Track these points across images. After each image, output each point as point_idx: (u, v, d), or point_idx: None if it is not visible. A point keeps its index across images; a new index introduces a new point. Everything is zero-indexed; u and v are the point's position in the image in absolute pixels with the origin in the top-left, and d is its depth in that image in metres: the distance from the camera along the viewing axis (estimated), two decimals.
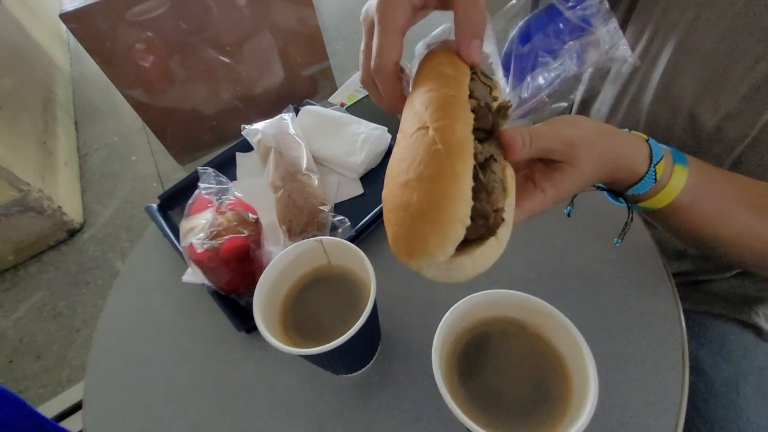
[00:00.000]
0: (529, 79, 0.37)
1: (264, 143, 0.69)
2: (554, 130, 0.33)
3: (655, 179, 0.37)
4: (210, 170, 0.54)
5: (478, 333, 0.37)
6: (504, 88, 0.38)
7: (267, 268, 0.42)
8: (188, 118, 1.95)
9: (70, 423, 1.16)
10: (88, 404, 0.51)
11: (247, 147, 0.76)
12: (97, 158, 2.37)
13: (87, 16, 1.53)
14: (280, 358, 0.49)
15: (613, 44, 0.37)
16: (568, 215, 0.44)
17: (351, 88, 0.89)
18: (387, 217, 0.28)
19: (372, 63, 0.34)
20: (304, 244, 0.43)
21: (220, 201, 0.52)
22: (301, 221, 0.57)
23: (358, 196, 0.66)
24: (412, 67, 0.37)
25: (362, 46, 0.36)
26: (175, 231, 0.63)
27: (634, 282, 0.48)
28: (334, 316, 0.42)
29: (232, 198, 0.53)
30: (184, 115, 1.93)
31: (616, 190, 0.41)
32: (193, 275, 0.54)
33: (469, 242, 0.27)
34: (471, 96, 0.31)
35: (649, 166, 0.37)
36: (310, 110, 0.77)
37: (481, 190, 0.27)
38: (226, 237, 0.48)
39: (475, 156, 0.28)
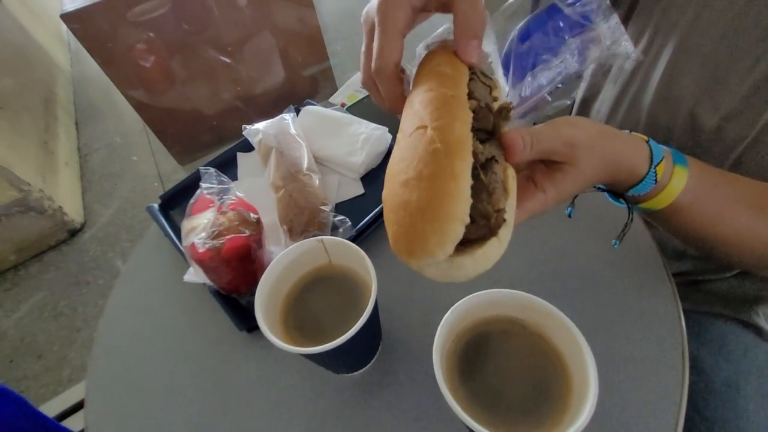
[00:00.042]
0: (529, 77, 0.37)
1: (265, 143, 0.69)
2: (555, 131, 0.33)
3: (656, 180, 0.37)
4: (212, 170, 0.54)
5: (479, 332, 0.37)
6: (504, 88, 0.38)
7: (268, 268, 0.42)
8: (189, 119, 1.96)
9: (71, 423, 1.16)
10: (90, 403, 0.51)
11: (248, 147, 0.76)
12: (98, 158, 2.37)
13: (88, 17, 1.53)
14: (281, 358, 0.50)
15: (614, 40, 0.36)
16: (569, 216, 0.44)
17: (351, 88, 0.89)
18: (387, 217, 0.29)
19: (372, 64, 0.34)
20: (305, 244, 0.43)
21: (221, 201, 0.52)
22: (302, 221, 0.57)
23: (358, 196, 0.66)
24: (412, 68, 0.37)
25: (363, 48, 0.36)
26: (177, 231, 0.64)
27: (634, 282, 0.48)
28: (335, 316, 0.42)
29: (233, 198, 0.53)
30: (185, 115, 1.93)
31: (616, 191, 0.41)
32: (195, 275, 0.54)
33: (470, 242, 0.27)
34: (471, 96, 0.31)
35: (650, 168, 0.37)
36: (310, 110, 0.77)
37: (482, 191, 0.27)
38: (228, 237, 0.49)
39: (476, 155, 0.28)
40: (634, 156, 0.37)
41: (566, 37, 0.37)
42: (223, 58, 1.82)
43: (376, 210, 0.59)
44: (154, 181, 2.15)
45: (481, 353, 0.36)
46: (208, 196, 0.52)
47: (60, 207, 1.84)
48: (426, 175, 0.26)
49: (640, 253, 0.50)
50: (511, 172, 0.31)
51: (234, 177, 0.73)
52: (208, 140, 2.05)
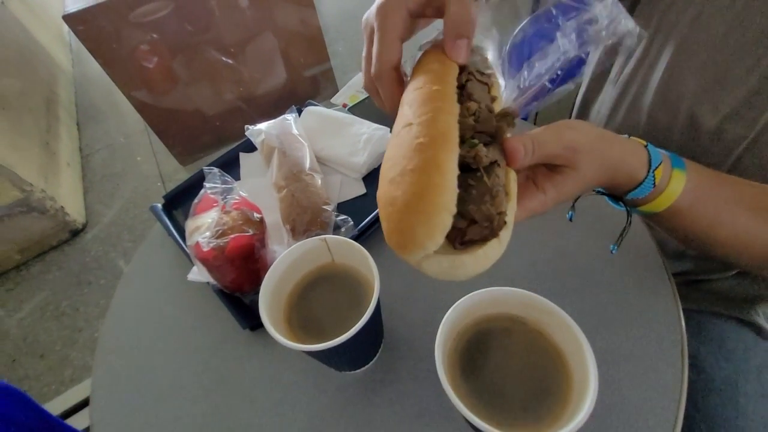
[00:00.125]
0: (525, 67, 0.37)
1: (267, 143, 0.70)
2: (557, 135, 0.34)
3: (654, 184, 0.37)
4: (215, 170, 0.55)
5: (480, 330, 0.37)
6: (500, 83, 0.38)
7: (272, 266, 0.42)
8: (191, 119, 1.96)
9: (74, 422, 1.17)
10: (96, 401, 0.52)
11: (250, 147, 0.76)
12: (99, 159, 2.38)
13: (90, 18, 1.53)
14: (284, 356, 0.50)
15: (612, 19, 0.36)
16: (570, 220, 0.45)
17: (353, 88, 0.89)
18: (381, 215, 0.29)
19: (372, 69, 0.35)
20: (308, 243, 0.44)
21: (225, 200, 0.52)
22: (305, 220, 0.58)
23: (360, 196, 0.66)
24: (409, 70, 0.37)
25: (364, 53, 0.37)
26: (180, 230, 0.64)
27: (635, 281, 0.48)
28: (338, 314, 0.42)
29: (237, 197, 0.53)
30: (187, 115, 1.94)
31: (615, 194, 0.41)
32: (199, 274, 0.54)
33: (471, 242, 0.28)
34: (470, 98, 0.32)
35: (648, 172, 0.37)
36: (312, 111, 0.78)
37: (485, 193, 0.28)
38: (232, 236, 0.49)
39: (480, 158, 0.28)
40: (633, 160, 0.37)
41: (560, 22, 0.37)
42: (225, 59, 1.83)
43: (377, 209, 0.59)
44: (156, 181, 2.15)
45: (482, 350, 0.36)
46: (212, 196, 0.53)
47: (62, 207, 1.85)
48: (410, 169, 0.27)
49: (640, 252, 0.51)
50: (513, 176, 0.31)
51: (236, 177, 0.74)
52: (209, 141, 2.06)
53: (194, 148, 2.07)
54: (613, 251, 0.43)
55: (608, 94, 0.63)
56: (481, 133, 0.30)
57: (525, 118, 0.80)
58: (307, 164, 0.66)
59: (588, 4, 0.36)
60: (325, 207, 0.60)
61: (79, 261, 1.84)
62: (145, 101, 1.80)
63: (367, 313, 0.37)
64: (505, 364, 0.36)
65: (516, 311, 0.37)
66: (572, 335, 0.33)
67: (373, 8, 0.35)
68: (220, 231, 0.49)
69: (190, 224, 0.53)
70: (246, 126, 0.74)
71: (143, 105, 1.81)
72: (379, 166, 0.69)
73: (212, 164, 0.70)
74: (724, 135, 0.48)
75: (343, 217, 0.60)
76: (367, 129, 0.71)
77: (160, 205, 0.70)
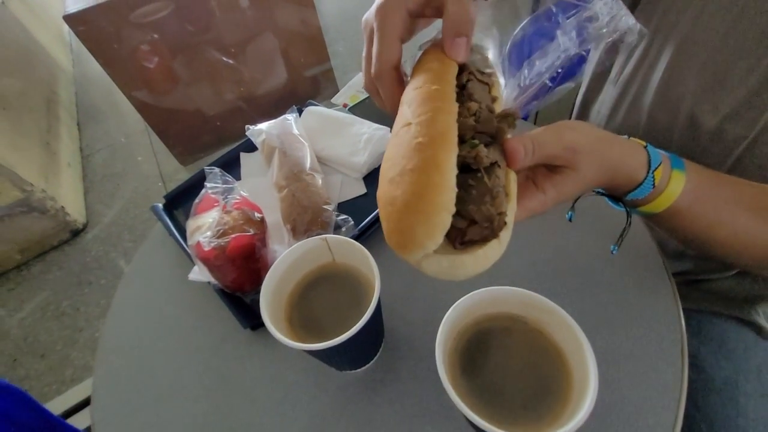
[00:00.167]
0: (526, 66, 0.37)
1: (268, 143, 0.70)
2: (557, 136, 0.34)
3: (654, 185, 0.38)
4: (216, 170, 0.55)
5: (481, 329, 0.38)
6: (501, 82, 0.38)
7: (273, 266, 0.42)
8: (191, 119, 1.97)
9: (73, 422, 1.17)
10: (97, 400, 0.52)
11: (250, 147, 0.77)
12: (100, 159, 2.38)
13: (91, 18, 1.53)
14: (284, 355, 0.50)
15: (613, 16, 0.36)
16: (570, 220, 0.45)
17: (353, 88, 0.89)
18: (381, 215, 0.29)
19: (372, 69, 0.35)
20: (309, 242, 0.44)
21: (226, 200, 0.53)
22: (305, 220, 0.58)
23: (361, 196, 0.66)
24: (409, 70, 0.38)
25: (364, 54, 0.37)
26: (181, 230, 0.64)
27: (635, 280, 0.49)
28: (339, 313, 0.42)
29: (237, 197, 0.54)
30: (187, 115, 1.94)
31: (615, 195, 0.41)
32: (199, 273, 0.54)
33: (471, 242, 0.28)
34: (471, 99, 0.32)
35: (648, 173, 0.37)
36: (313, 111, 0.78)
37: (486, 194, 0.28)
38: (233, 235, 0.49)
39: (480, 159, 0.28)
40: (633, 161, 0.37)
41: (560, 20, 0.37)
42: (225, 59, 1.83)
43: (378, 209, 0.59)
44: (156, 181, 2.15)
45: (482, 350, 0.37)
46: (213, 196, 0.53)
47: (62, 207, 1.85)
48: (409, 169, 0.27)
49: (641, 252, 0.51)
50: (513, 176, 0.31)
51: (237, 177, 0.74)
52: (209, 141, 2.06)
53: (195, 148, 2.07)
54: (614, 251, 0.43)
55: (608, 93, 0.63)
56: (482, 133, 0.30)
57: (525, 118, 0.80)
58: (308, 164, 0.66)
59: (588, 1, 0.36)
60: (325, 207, 0.60)
61: (80, 261, 1.84)
62: (146, 101, 1.80)
63: (367, 312, 0.37)
64: (505, 363, 0.36)
65: (516, 310, 0.37)
66: (572, 334, 0.33)
67: (373, 9, 0.35)
68: (221, 231, 0.49)
69: (191, 224, 0.53)
70: (247, 126, 0.74)
71: (144, 105, 1.81)
72: (380, 166, 0.69)
73: (213, 164, 0.70)
74: (724, 135, 0.48)
75: (343, 216, 0.60)
76: (368, 129, 0.71)
77: (161, 205, 0.70)
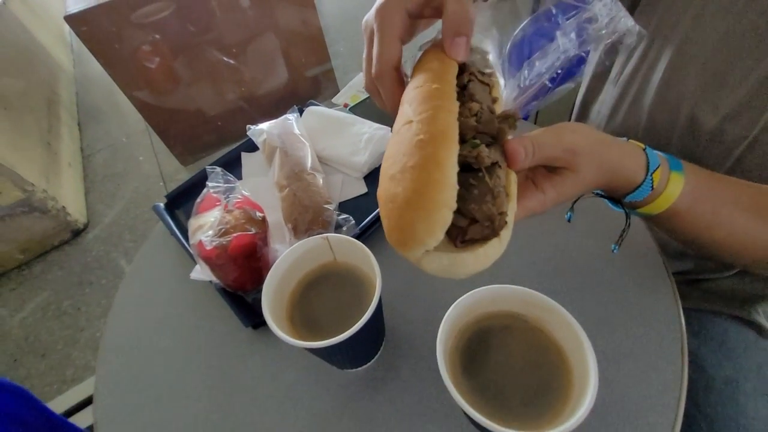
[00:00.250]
0: (526, 66, 0.37)
1: (269, 143, 0.70)
2: (557, 138, 0.34)
3: (652, 187, 0.38)
4: (218, 169, 0.55)
5: (481, 327, 0.38)
6: (500, 83, 0.38)
7: (275, 264, 0.42)
8: (192, 119, 1.97)
9: (74, 421, 1.17)
10: (99, 399, 0.52)
11: (251, 147, 0.77)
12: (101, 159, 2.39)
13: (92, 19, 1.54)
14: (286, 354, 0.50)
15: (612, 17, 0.36)
16: (569, 221, 0.45)
17: (354, 89, 0.90)
18: (381, 213, 0.29)
19: (373, 69, 0.36)
20: (310, 241, 0.44)
21: (227, 199, 0.53)
22: (306, 219, 0.58)
23: (362, 195, 0.67)
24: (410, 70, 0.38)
25: (364, 55, 0.37)
26: (182, 229, 0.64)
27: (635, 279, 0.49)
28: (340, 312, 0.42)
29: (239, 196, 0.54)
30: (188, 116, 1.95)
31: (614, 196, 0.41)
32: (201, 272, 0.55)
33: (472, 241, 0.28)
34: (472, 99, 0.32)
35: (646, 175, 0.38)
36: (314, 111, 0.78)
37: (486, 193, 0.28)
38: (235, 234, 0.49)
39: (482, 159, 0.28)
40: (631, 163, 0.37)
41: (560, 21, 0.37)
42: (226, 59, 1.83)
43: (378, 208, 0.59)
44: (157, 181, 2.16)
45: (483, 348, 0.37)
46: (215, 195, 0.53)
47: (63, 207, 1.85)
48: (410, 166, 0.27)
49: (641, 252, 0.51)
50: (513, 177, 0.32)
51: (238, 177, 0.74)
52: (210, 141, 2.07)
53: (195, 148, 2.08)
54: (614, 251, 0.43)
55: (608, 94, 0.63)
56: (483, 134, 0.31)
57: (526, 118, 0.80)
58: (309, 164, 0.66)
59: (588, 2, 0.36)
60: (326, 206, 0.60)
61: (81, 261, 1.84)
62: (147, 101, 1.80)
63: (368, 311, 0.37)
64: (506, 361, 0.36)
65: (517, 309, 0.38)
66: (573, 332, 0.33)
67: (373, 10, 0.35)
68: (223, 230, 0.50)
69: (193, 223, 0.53)
70: (248, 126, 0.74)
71: (145, 105, 1.81)
72: (380, 166, 0.69)
73: (214, 164, 0.70)
74: (724, 135, 0.48)
75: (344, 216, 0.60)
76: (368, 129, 0.71)
77: (162, 205, 0.70)
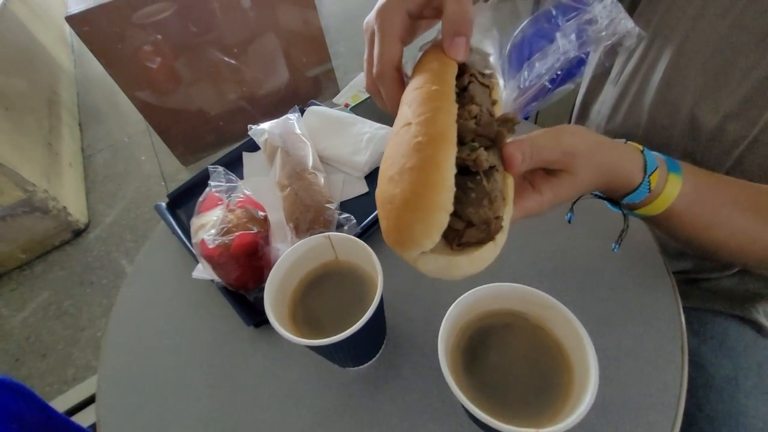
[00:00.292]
0: (526, 67, 0.38)
1: (271, 143, 0.70)
2: (555, 141, 0.34)
3: (650, 189, 0.38)
4: (220, 168, 0.55)
5: (482, 325, 0.38)
6: (500, 84, 0.38)
7: (277, 263, 0.43)
8: (193, 119, 1.97)
9: (76, 421, 1.17)
10: (101, 398, 0.52)
11: (253, 147, 0.77)
12: (102, 159, 2.39)
13: (93, 19, 1.54)
14: (287, 352, 0.51)
15: (612, 19, 0.36)
16: (569, 222, 0.45)
17: (355, 88, 0.90)
18: (379, 214, 0.29)
19: (374, 70, 0.36)
20: (312, 240, 0.44)
21: (229, 198, 0.53)
22: (308, 219, 0.58)
23: (363, 195, 0.67)
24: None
25: (365, 56, 0.38)
26: (184, 229, 0.65)
27: (635, 279, 0.49)
28: (342, 310, 0.43)
29: (241, 196, 0.54)
30: (189, 116, 1.95)
31: (612, 198, 0.42)
32: (203, 271, 0.55)
33: (468, 244, 0.28)
34: (472, 102, 0.32)
35: (644, 177, 0.38)
36: (315, 110, 0.78)
37: (484, 197, 0.28)
38: (237, 233, 0.50)
39: (480, 162, 0.28)
40: (629, 165, 0.38)
41: (560, 23, 0.37)
42: (227, 59, 1.83)
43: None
44: (158, 181, 2.16)
45: (484, 346, 0.37)
46: (217, 194, 0.53)
47: (64, 207, 1.85)
48: (408, 168, 0.27)
49: (641, 251, 0.51)
50: (510, 181, 0.32)
51: (240, 176, 0.74)
52: (211, 140, 2.07)
53: (196, 148, 2.08)
54: (615, 250, 0.43)
55: (609, 94, 0.63)
56: (482, 136, 0.31)
57: (526, 118, 0.80)
58: (310, 163, 0.66)
59: (587, 4, 0.37)
60: (327, 205, 0.60)
61: (82, 261, 1.84)
62: (148, 102, 1.81)
63: (370, 309, 0.38)
64: (507, 359, 0.36)
65: (518, 307, 0.38)
66: (573, 330, 0.34)
67: (374, 11, 0.36)
68: (225, 229, 0.50)
69: (195, 222, 0.53)
70: (249, 126, 0.74)
71: (145, 105, 1.81)
72: None
73: (216, 163, 0.70)
74: (724, 135, 0.49)
75: (345, 215, 0.61)
76: (369, 128, 0.71)
77: (164, 204, 0.71)
